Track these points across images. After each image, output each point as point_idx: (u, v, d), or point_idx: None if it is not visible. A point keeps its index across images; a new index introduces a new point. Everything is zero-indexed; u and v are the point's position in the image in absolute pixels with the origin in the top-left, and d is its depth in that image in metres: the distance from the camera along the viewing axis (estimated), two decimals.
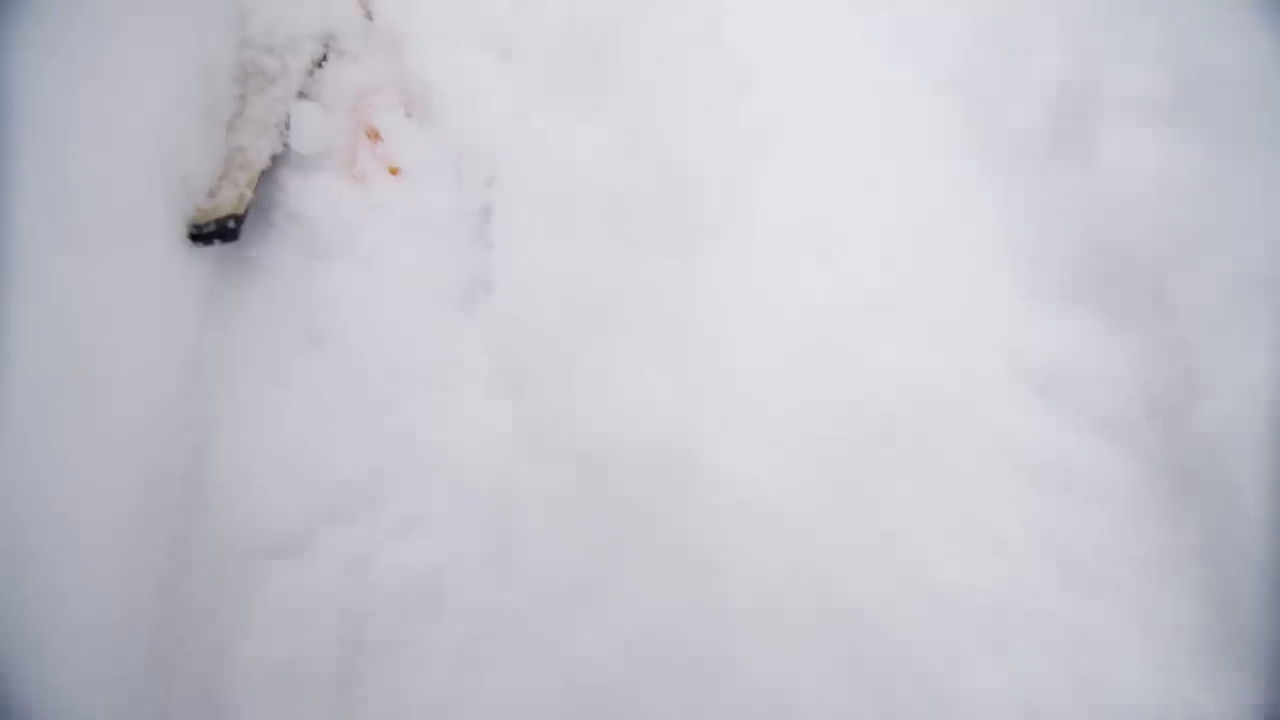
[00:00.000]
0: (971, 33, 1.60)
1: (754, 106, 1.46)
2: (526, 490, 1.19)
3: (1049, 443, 1.30)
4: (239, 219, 1.60)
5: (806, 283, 1.34)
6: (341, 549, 1.33)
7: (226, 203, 1.61)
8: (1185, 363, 1.34)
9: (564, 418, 1.20)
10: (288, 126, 1.76)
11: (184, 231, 1.57)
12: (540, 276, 1.34)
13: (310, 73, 1.84)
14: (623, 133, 1.41)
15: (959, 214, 1.51)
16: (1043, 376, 1.34)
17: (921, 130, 1.58)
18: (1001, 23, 1.56)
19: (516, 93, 1.57)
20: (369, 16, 1.91)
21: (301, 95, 1.82)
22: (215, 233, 1.57)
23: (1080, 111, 1.40)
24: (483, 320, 1.37)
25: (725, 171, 1.41)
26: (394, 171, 1.76)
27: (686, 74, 1.44)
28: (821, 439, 1.19)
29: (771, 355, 1.27)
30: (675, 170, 1.38)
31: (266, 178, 1.73)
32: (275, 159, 1.74)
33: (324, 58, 1.88)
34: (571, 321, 1.27)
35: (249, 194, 1.64)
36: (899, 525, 1.21)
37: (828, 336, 1.28)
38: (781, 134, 1.46)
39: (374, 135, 1.80)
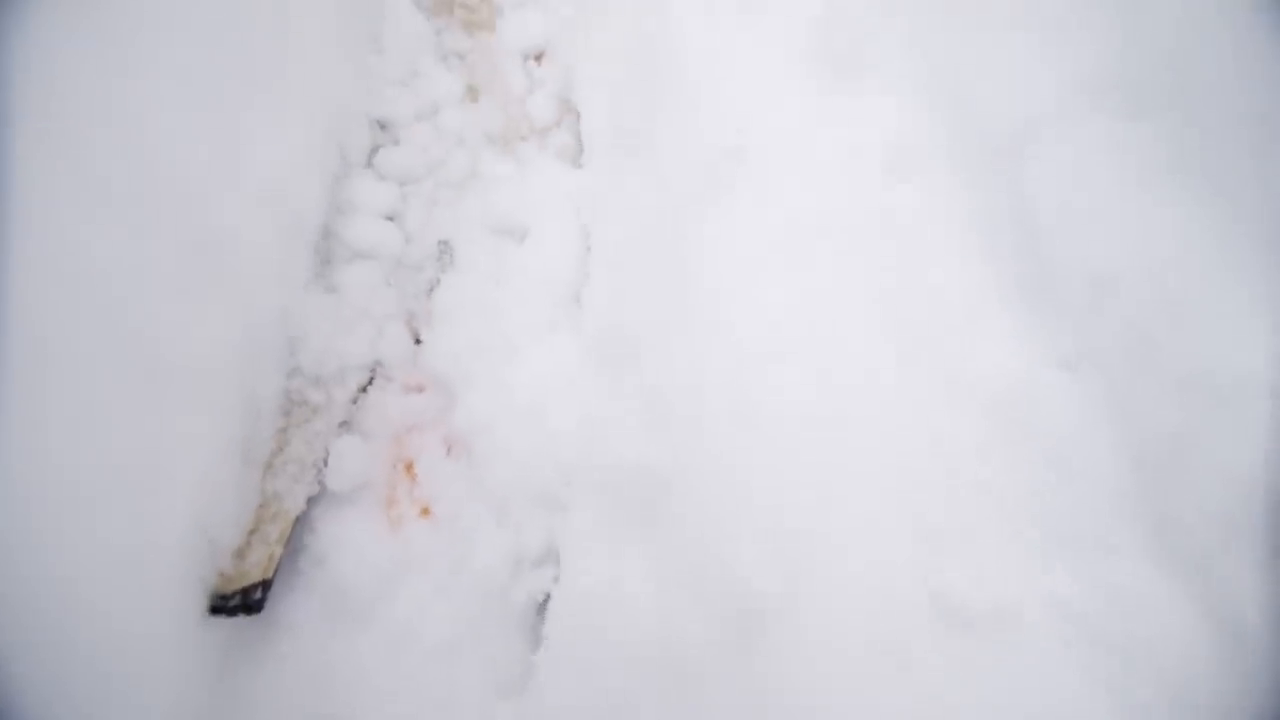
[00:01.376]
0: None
1: (808, 522, 1.40)
2: None
3: None
4: (267, 585, 1.51)
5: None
6: None
7: (255, 567, 1.52)
8: None
9: None
10: (325, 464, 1.72)
11: (205, 603, 1.48)
12: None
13: (354, 401, 1.83)
14: (676, 562, 1.33)
15: (1040, 608, 1.39)
16: None
17: (988, 506, 1.50)
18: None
19: (561, 473, 1.52)
20: (418, 340, 1.92)
21: (343, 425, 1.79)
22: (240, 605, 1.48)
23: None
24: None
25: (783, 590, 1.31)
26: (425, 513, 1.68)
27: (741, 504, 1.38)
28: None
29: None
30: (733, 601, 1.28)
31: (298, 519, 1.66)
32: (310, 500, 1.68)
33: (369, 382, 1.87)
34: None
35: (279, 551, 1.56)
36: None
37: None
38: (842, 544, 1.38)
39: (411, 471, 1.75)
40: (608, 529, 1.40)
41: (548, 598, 1.47)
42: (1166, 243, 1.57)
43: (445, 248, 2.03)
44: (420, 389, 1.83)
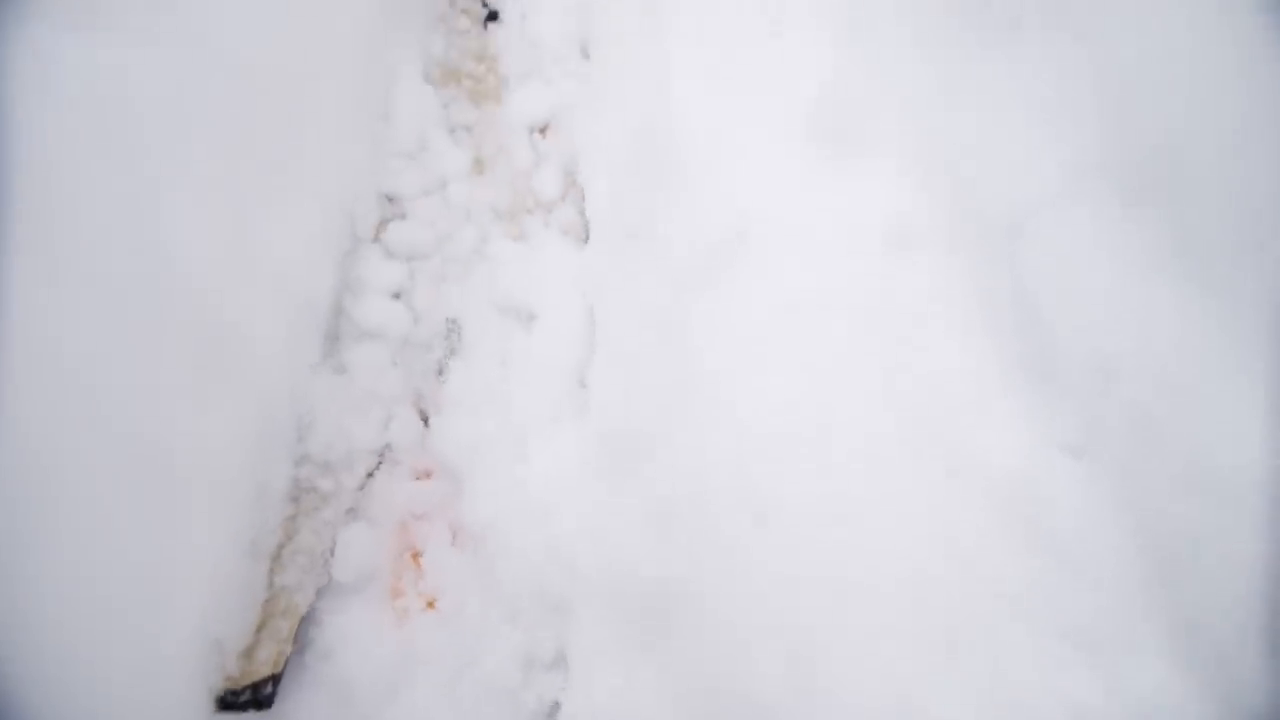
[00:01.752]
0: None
1: (817, 622, 1.39)
2: None
3: None
4: (276, 679, 1.51)
5: None
6: None
7: (264, 663, 1.52)
8: None
9: None
10: (333, 553, 1.72)
11: (212, 703, 1.47)
12: None
13: (361, 487, 1.83)
14: (686, 671, 1.33)
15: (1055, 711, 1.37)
16: None
17: (997, 600, 1.49)
18: None
19: (568, 575, 1.52)
20: (425, 422, 1.93)
21: (349, 512, 1.80)
22: (250, 700, 1.48)
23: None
24: None
25: (794, 700, 1.31)
26: (431, 605, 1.68)
27: (750, 609, 1.38)
28: None
29: None
30: (744, 713, 1.28)
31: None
32: (318, 592, 1.68)
33: (377, 465, 1.88)
34: None
35: (289, 648, 1.56)
36: None
37: None
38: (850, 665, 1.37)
39: (417, 560, 1.75)
40: (616, 637, 1.40)
41: (556, 705, 1.46)
42: (1167, 327, 1.57)
43: (453, 326, 2.04)
44: (428, 474, 1.84)
